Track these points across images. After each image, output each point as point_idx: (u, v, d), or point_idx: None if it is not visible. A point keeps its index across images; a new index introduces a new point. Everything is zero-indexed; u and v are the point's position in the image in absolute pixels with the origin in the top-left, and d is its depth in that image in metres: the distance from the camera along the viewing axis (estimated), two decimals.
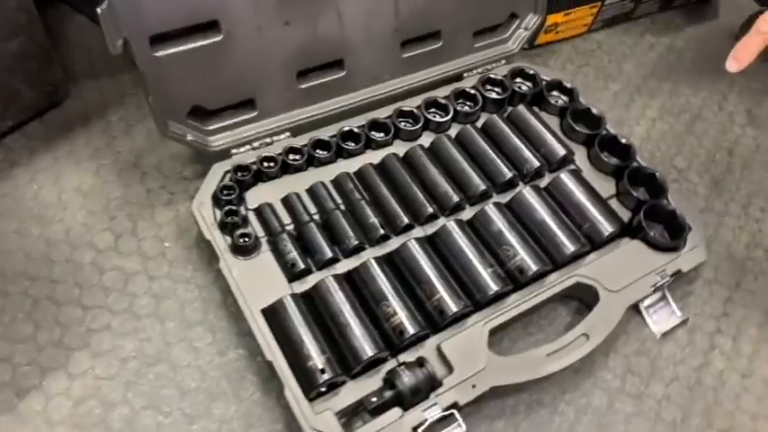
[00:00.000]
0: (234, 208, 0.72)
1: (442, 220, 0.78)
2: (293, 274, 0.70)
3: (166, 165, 0.82)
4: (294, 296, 0.68)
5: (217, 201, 0.74)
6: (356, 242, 0.72)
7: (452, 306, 0.69)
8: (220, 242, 0.71)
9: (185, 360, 0.68)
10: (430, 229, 0.77)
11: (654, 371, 0.75)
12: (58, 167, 0.81)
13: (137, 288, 0.72)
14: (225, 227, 0.72)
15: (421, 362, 0.65)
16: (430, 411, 0.64)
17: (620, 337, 0.77)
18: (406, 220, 0.75)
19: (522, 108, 0.89)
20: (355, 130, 0.82)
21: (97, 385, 0.66)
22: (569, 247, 0.75)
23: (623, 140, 0.86)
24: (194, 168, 0.82)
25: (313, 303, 0.69)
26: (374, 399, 0.63)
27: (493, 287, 0.71)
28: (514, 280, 0.73)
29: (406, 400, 0.63)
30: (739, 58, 0.76)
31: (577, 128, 0.87)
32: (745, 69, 0.76)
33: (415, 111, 0.85)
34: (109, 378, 0.66)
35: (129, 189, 0.80)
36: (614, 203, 0.83)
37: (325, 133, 0.81)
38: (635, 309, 0.78)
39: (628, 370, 0.75)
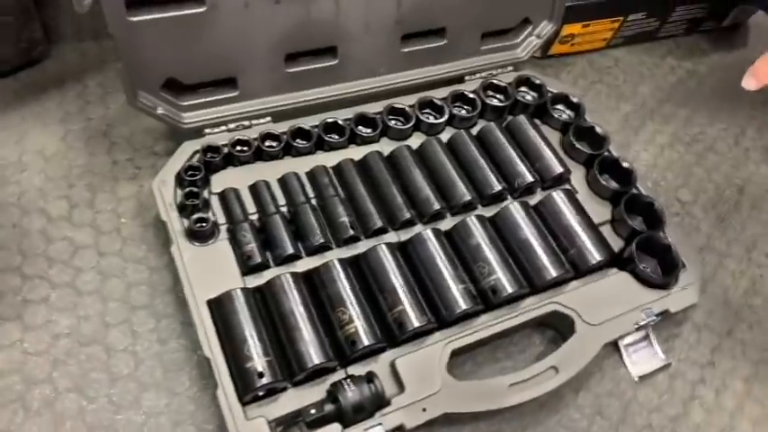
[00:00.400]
0: (195, 190, 0.68)
1: (418, 227, 0.73)
2: (248, 267, 0.65)
3: (138, 137, 0.78)
4: (245, 290, 0.63)
5: (180, 181, 0.69)
6: (321, 240, 0.68)
7: (414, 320, 0.64)
8: (176, 224, 0.66)
9: (122, 344, 0.64)
10: (404, 235, 0.72)
11: (626, 416, 0.70)
12: (24, 127, 0.77)
13: (83, 262, 0.68)
14: (184, 209, 0.67)
15: (370, 377, 0.60)
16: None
17: (594, 375, 0.72)
18: (379, 223, 0.70)
19: (522, 118, 0.83)
20: (340, 122, 0.77)
21: (23, 360, 0.62)
22: (551, 271, 0.70)
23: (625, 164, 0.80)
24: (166, 145, 0.78)
25: (265, 300, 0.65)
26: (313, 411, 0.58)
27: (461, 305, 0.66)
28: (486, 300, 0.68)
29: (348, 417, 0.58)
30: (758, 74, 0.70)
31: (578, 146, 0.82)
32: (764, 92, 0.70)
33: (407, 109, 0.80)
34: (37, 354, 0.62)
35: (94, 158, 0.76)
36: (607, 230, 0.78)
37: (308, 122, 0.76)
38: (614, 345, 0.72)
39: (597, 411, 0.69)
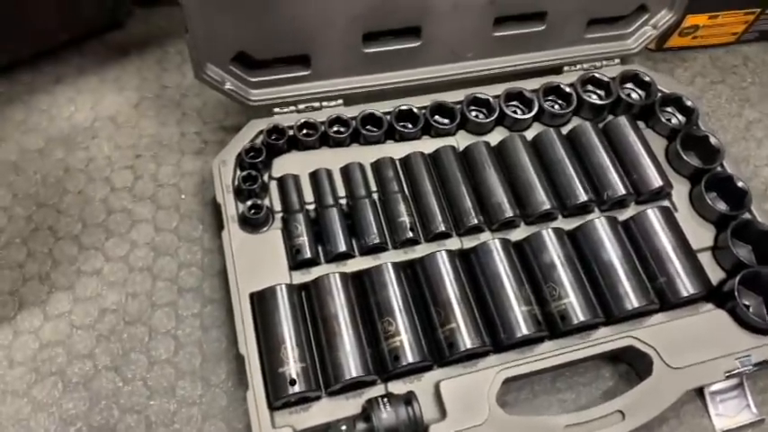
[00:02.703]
0: (254, 173, 0.64)
1: (485, 236, 0.65)
2: (297, 262, 0.61)
3: (208, 110, 0.76)
4: (289, 287, 0.59)
5: (241, 162, 0.66)
6: (377, 240, 0.62)
7: (466, 341, 0.57)
8: (230, 208, 0.63)
9: (164, 327, 0.63)
10: (469, 242, 0.65)
11: None
12: (101, 92, 0.76)
13: (139, 237, 0.67)
14: (240, 193, 0.64)
15: (409, 398, 0.55)
16: None
17: (668, 422, 0.63)
18: (442, 227, 0.64)
19: (623, 119, 0.73)
20: (415, 110, 0.71)
21: (68, 332, 0.62)
22: (632, 300, 0.61)
23: (740, 183, 0.69)
24: (236, 120, 0.75)
25: (310, 299, 0.60)
26: (344, 428, 0.54)
27: (522, 329, 0.59)
28: (553, 326, 0.61)
29: None
30: None
31: (686, 157, 0.71)
32: None
33: (491, 100, 0.72)
34: (82, 328, 0.62)
35: (163, 129, 0.74)
36: (707, 258, 0.67)
37: (380, 108, 0.70)
38: (698, 390, 0.63)
39: None
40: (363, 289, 0.61)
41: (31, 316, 0.62)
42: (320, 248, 0.63)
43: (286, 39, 0.67)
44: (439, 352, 0.59)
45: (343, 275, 0.60)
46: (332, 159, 0.68)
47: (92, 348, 0.61)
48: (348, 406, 0.56)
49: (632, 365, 0.65)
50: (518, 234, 0.66)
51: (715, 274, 0.66)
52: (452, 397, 0.56)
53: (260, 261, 0.61)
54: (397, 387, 0.57)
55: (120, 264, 0.65)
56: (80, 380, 0.59)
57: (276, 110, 0.69)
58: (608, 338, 0.61)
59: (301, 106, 0.70)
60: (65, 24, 0.76)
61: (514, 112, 0.73)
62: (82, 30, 0.78)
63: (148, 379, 0.60)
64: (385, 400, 0.55)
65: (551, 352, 0.60)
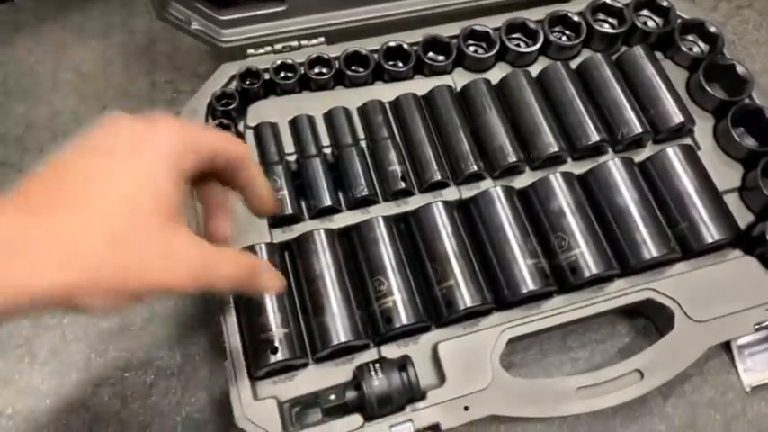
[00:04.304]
0: (226, 122, 0.58)
1: (486, 183, 0.60)
2: (278, 219, 0.56)
3: (180, 56, 0.70)
4: (270, 246, 0.55)
5: (213, 111, 0.60)
6: (366, 192, 0.57)
7: (466, 299, 0.53)
8: None
9: None
10: (468, 192, 0.59)
11: None
12: (63, 41, 0.71)
13: None
14: None
15: (403, 363, 0.50)
16: (400, 429, 0.49)
17: (691, 379, 0.58)
18: (438, 176, 0.58)
19: (640, 50, 0.66)
20: (405, 46, 0.64)
21: None
22: (651, 249, 0.55)
23: None
24: (212, 66, 0.68)
25: (293, 259, 0.55)
26: (332, 396, 0.50)
27: (528, 284, 0.53)
28: (562, 280, 0.55)
29: (371, 409, 0.49)
30: None
31: (710, 89, 0.64)
32: None
33: (491, 33, 0.66)
34: None
35: (132, 79, 0.68)
36: (733, 200, 0.61)
37: (366, 46, 0.64)
38: (724, 344, 0.58)
39: (690, 424, 0.57)
40: (352, 246, 0.56)
41: None
42: (303, 203, 0.57)
43: None
44: (436, 312, 0.54)
45: (329, 232, 0.55)
46: (314, 104, 0.62)
47: (60, 318, 0.57)
48: (338, 373, 0.52)
49: (651, 320, 0.60)
50: (523, 181, 0.60)
51: (743, 218, 0.60)
52: (452, 360, 0.52)
53: (236, 219, 0.56)
54: (392, 351, 0.53)
55: None
56: (48, 354, 0.55)
57: (250, 51, 0.64)
58: (624, 291, 0.56)
59: (278, 46, 0.64)
60: None
61: (517, 45, 0.67)
62: None
63: (122, 350, 0.56)
64: (376, 365, 0.50)
65: (560, 308, 0.55)
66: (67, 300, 0.33)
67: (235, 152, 0.43)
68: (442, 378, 0.52)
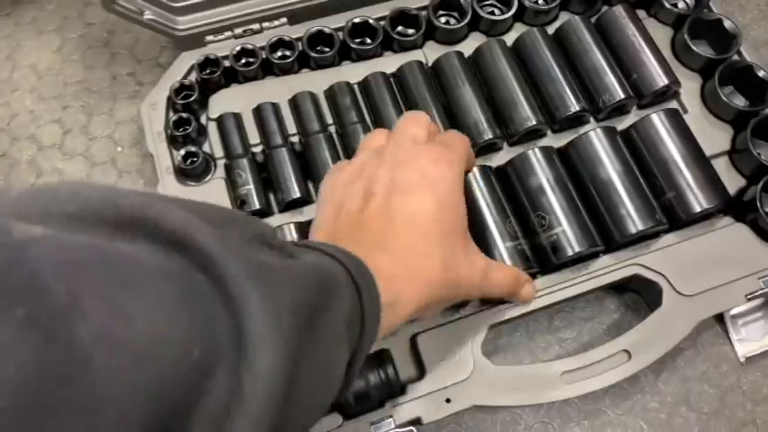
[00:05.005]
0: (186, 116, 0.56)
1: None
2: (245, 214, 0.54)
3: (142, 46, 0.67)
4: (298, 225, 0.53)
5: (173, 104, 0.58)
6: None
7: None
8: (164, 159, 0.56)
9: None
10: None
11: (722, 407, 0.55)
12: (18, 37, 0.68)
13: None
14: (175, 140, 0.56)
15: (381, 357, 0.49)
16: (381, 426, 0.48)
17: (683, 352, 0.57)
18: None
19: (620, 9, 0.62)
20: (371, 22, 0.61)
21: None
22: (637, 223, 0.53)
23: (761, 73, 0.59)
24: (173, 54, 0.65)
25: None
26: None
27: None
28: (543, 260, 0.53)
29: (349, 407, 0.48)
30: None
31: (695, 47, 0.61)
32: None
33: (463, 1, 0.62)
34: None
35: (91, 73, 0.66)
36: (723, 164, 0.59)
37: (331, 24, 0.61)
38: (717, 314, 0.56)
39: (684, 400, 0.55)
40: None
41: None
42: (271, 197, 0.56)
43: None
44: None
45: (299, 225, 0.53)
46: (278, 91, 0.59)
47: None
48: None
49: (641, 294, 0.58)
50: (501, 158, 0.58)
51: (733, 182, 0.58)
52: (431, 351, 0.50)
53: None
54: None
55: None
56: None
57: (209, 38, 0.61)
58: (610, 269, 0.54)
59: (238, 30, 0.61)
60: None
61: (491, 12, 0.63)
62: None
63: None
64: None
65: (543, 290, 0.53)
66: (418, 314, 0.42)
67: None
68: (422, 370, 0.50)
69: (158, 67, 0.66)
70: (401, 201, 0.43)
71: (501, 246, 0.52)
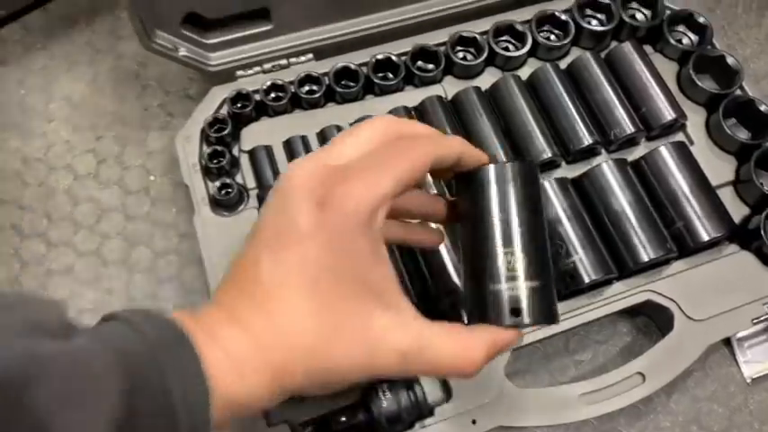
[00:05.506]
0: (220, 149, 0.59)
1: None
2: None
3: (171, 78, 0.70)
4: None
5: (206, 137, 0.60)
6: None
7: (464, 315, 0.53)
8: (199, 190, 0.59)
9: None
10: None
11: (730, 427, 0.58)
12: (52, 70, 0.71)
13: (110, 227, 0.64)
14: (209, 171, 0.59)
15: (410, 383, 0.52)
16: None
17: (693, 374, 0.60)
18: (433, 189, 0.59)
19: (628, 46, 0.66)
20: (394, 58, 0.64)
21: None
22: (649, 252, 0.56)
23: (762, 107, 0.63)
24: (203, 87, 0.69)
25: None
26: (343, 419, 0.51)
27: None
28: (562, 286, 0.56)
29: (381, 429, 0.51)
30: None
31: (700, 82, 0.64)
32: None
33: (479, 38, 0.66)
34: None
35: (123, 105, 0.69)
36: (728, 194, 0.62)
37: (355, 60, 0.64)
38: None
39: (694, 419, 0.58)
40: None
41: None
42: None
43: None
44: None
45: None
46: (306, 124, 0.63)
47: None
48: (347, 395, 0.53)
49: (651, 318, 0.61)
50: None
51: (738, 211, 0.61)
52: None
53: (237, 246, 0.57)
54: None
55: (92, 258, 0.62)
56: None
57: (240, 73, 0.64)
58: (623, 294, 0.57)
59: (267, 66, 0.64)
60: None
61: (505, 48, 0.67)
62: (21, 3, 0.72)
63: None
64: (384, 386, 0.52)
65: (561, 315, 0.56)
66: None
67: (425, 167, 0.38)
68: (448, 393, 0.53)
69: (188, 99, 0.69)
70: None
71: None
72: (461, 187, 0.43)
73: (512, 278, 0.38)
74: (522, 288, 0.38)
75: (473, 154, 0.41)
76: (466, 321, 0.40)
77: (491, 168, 0.40)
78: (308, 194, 0.35)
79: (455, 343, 0.37)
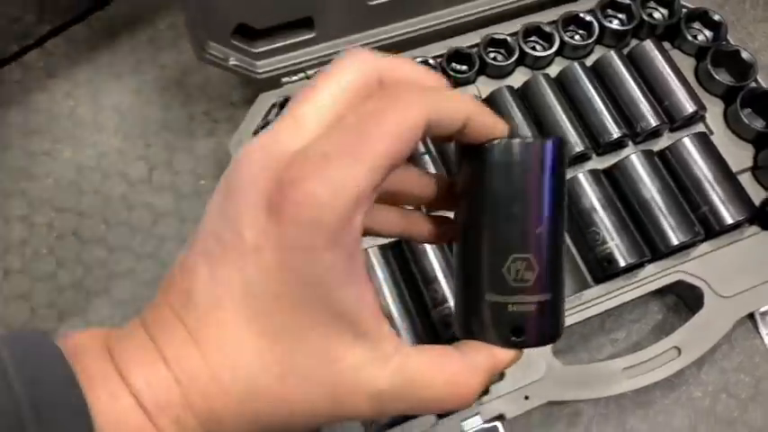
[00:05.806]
0: None
1: None
2: None
3: (213, 86, 0.73)
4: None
5: None
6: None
7: None
8: None
9: None
10: None
11: (756, 394, 0.62)
12: (98, 81, 0.74)
13: (165, 230, 0.67)
14: None
15: None
16: (469, 422, 0.55)
17: (721, 347, 0.64)
18: None
19: (649, 44, 0.70)
20: (430, 61, 0.68)
21: None
22: (679, 235, 0.61)
23: None
24: (243, 93, 0.73)
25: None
26: None
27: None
28: (597, 271, 0.60)
29: None
30: None
31: (717, 76, 0.69)
32: None
33: (509, 40, 0.70)
34: None
35: (169, 112, 0.72)
36: (747, 179, 0.67)
37: None
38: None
39: (723, 388, 0.62)
40: (404, 260, 0.61)
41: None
42: None
43: (287, 3, 0.64)
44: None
45: (383, 247, 0.60)
46: None
47: None
48: None
49: (680, 297, 0.66)
50: None
51: (757, 195, 0.66)
52: None
53: None
54: None
55: (151, 260, 0.65)
56: None
57: (285, 79, 0.67)
58: (656, 276, 0.61)
59: (311, 72, 0.68)
60: (44, 14, 0.72)
61: (533, 48, 0.71)
62: (66, 17, 0.75)
63: None
64: None
65: (600, 297, 0.60)
66: None
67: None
68: (501, 373, 0.57)
69: (231, 106, 0.72)
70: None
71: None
72: (465, 164, 0.33)
73: (520, 290, 0.31)
74: (531, 303, 0.32)
75: (485, 121, 0.30)
76: (457, 334, 0.34)
77: (510, 145, 0.31)
78: (256, 197, 0.27)
79: (446, 375, 0.30)
